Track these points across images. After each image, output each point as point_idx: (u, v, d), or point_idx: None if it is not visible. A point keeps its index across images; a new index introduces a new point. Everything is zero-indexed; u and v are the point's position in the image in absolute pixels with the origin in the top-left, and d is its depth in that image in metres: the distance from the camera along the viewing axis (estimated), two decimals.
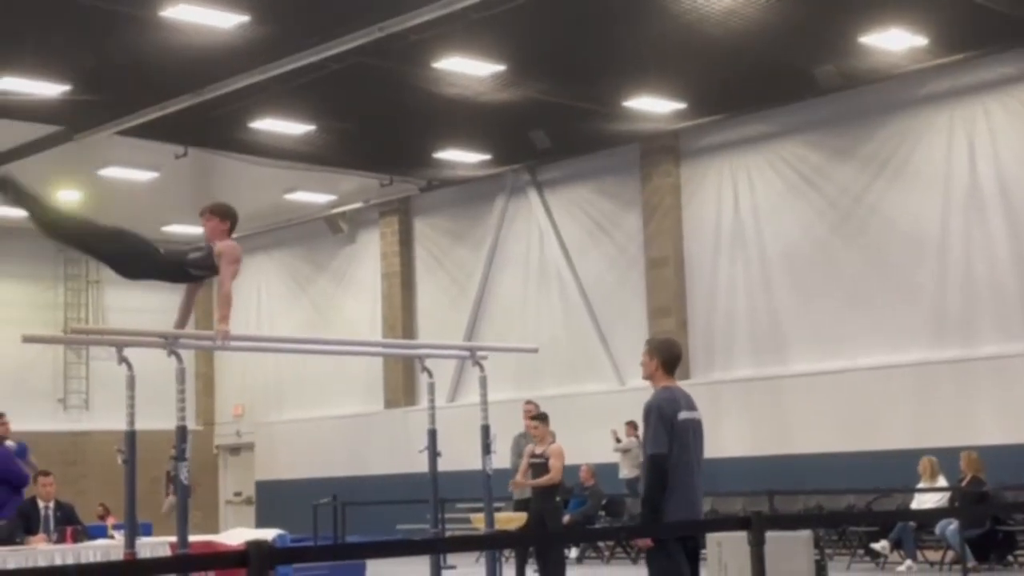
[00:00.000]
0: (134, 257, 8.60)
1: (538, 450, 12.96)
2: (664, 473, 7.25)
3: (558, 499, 13.25)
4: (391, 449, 22.62)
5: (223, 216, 8.70)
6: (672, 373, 7.69)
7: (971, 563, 14.09)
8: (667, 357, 7.69)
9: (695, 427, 7.52)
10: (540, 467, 12.93)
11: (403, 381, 23.94)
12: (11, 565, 10.07)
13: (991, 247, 17.15)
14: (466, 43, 15.23)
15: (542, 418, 13.16)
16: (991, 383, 16.81)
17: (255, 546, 4.42)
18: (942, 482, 15.18)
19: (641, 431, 7.62)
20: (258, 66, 15.74)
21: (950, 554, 14.80)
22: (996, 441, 16.13)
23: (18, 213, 24.65)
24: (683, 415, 7.42)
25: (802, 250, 18.95)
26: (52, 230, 8.87)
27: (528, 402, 14.43)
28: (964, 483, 14.90)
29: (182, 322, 8.90)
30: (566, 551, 18.32)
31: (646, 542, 7.42)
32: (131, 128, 17.97)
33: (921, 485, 15.26)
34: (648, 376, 7.73)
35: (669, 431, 7.32)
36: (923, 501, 15.31)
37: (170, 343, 8.35)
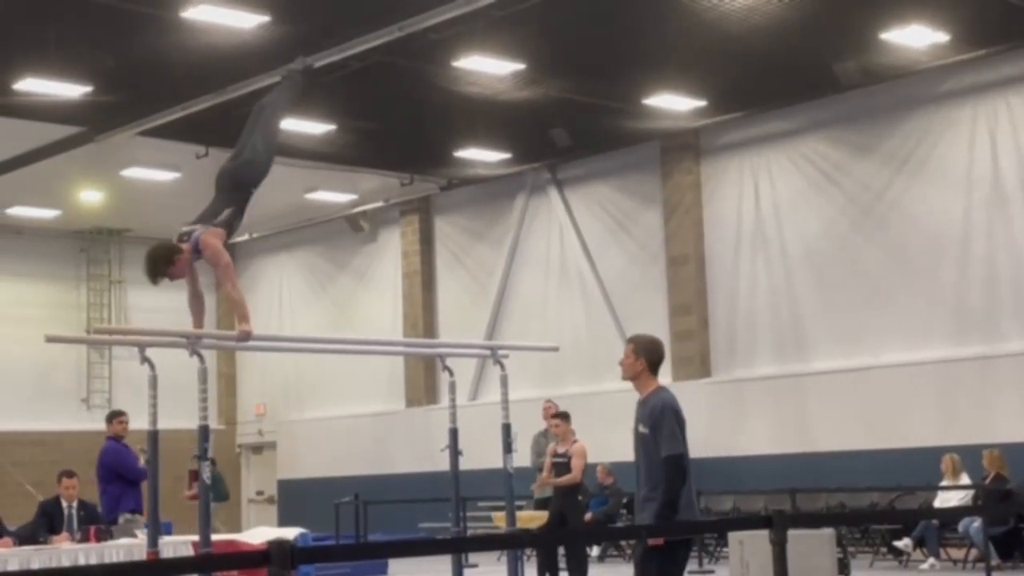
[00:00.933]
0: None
1: (560, 449, 12.96)
2: (686, 473, 7.18)
3: (580, 497, 13.24)
4: (412, 448, 22.64)
5: (167, 261, 8.42)
6: (656, 374, 7.49)
7: (995, 561, 14.02)
8: (654, 358, 7.46)
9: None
10: (563, 466, 12.93)
11: (424, 380, 23.96)
12: (35, 565, 10.14)
13: (1014, 243, 17.06)
14: (486, 41, 15.23)
15: (564, 416, 13.16)
16: (1014, 380, 16.72)
17: (277, 545, 4.43)
18: (965, 480, 15.11)
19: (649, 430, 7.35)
20: (278, 66, 15.64)
21: (973, 552, 14.74)
22: (1020, 438, 16.03)
23: (42, 215, 24.76)
24: (682, 415, 7.40)
25: (823, 247, 18.89)
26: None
27: (548, 401, 14.42)
28: (987, 481, 14.83)
29: (198, 314, 8.72)
30: (588, 549, 18.37)
31: (657, 541, 7.24)
32: (152, 128, 18.03)
33: (944, 483, 15.20)
34: (632, 376, 7.44)
35: (683, 430, 7.28)
36: (946, 499, 15.25)
37: (192, 343, 8.36)
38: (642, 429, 7.32)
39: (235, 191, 8.74)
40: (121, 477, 11.96)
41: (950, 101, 17.67)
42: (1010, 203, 17.11)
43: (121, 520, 11.73)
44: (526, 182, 22.50)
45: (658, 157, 20.65)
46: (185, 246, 8.40)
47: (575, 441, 13.04)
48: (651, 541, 7.09)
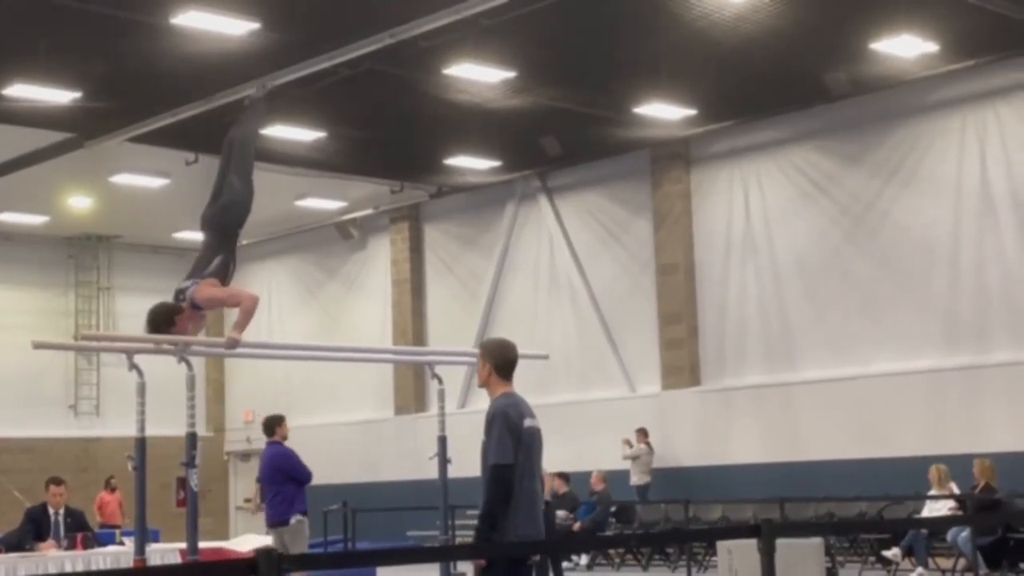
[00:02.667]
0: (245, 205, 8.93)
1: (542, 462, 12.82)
2: (509, 486, 6.72)
3: (547, 503, 13.13)
4: (401, 455, 22.60)
5: (167, 323, 8.44)
6: (509, 378, 7.06)
7: (983, 571, 14.02)
8: (500, 361, 7.02)
9: (538, 436, 7.03)
10: None
11: (413, 387, 23.93)
12: (21, 572, 10.09)
13: (1003, 253, 17.10)
14: (477, 50, 15.23)
15: None
16: (1003, 390, 16.75)
17: (264, 553, 4.41)
18: (953, 489, 15.12)
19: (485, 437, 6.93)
20: (268, 73, 15.74)
21: (962, 562, 14.74)
22: (1008, 448, 16.06)
23: (30, 221, 24.69)
24: (527, 423, 6.91)
25: (813, 256, 18.91)
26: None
27: None
28: (977, 490, 14.84)
29: None
30: (576, 558, 18.35)
31: (479, 562, 6.75)
32: (142, 135, 18.01)
33: (933, 493, 15.20)
34: (483, 383, 7.05)
35: (515, 440, 6.78)
36: (935, 509, 15.24)
37: (180, 350, 8.34)
38: (484, 436, 6.92)
39: (221, 235, 8.87)
40: (292, 479, 12.05)
41: (939, 111, 17.71)
42: (999, 213, 17.15)
43: (293, 521, 11.81)
44: (516, 190, 22.50)
45: (648, 166, 20.67)
46: (184, 305, 8.47)
47: None
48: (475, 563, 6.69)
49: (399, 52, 15.18)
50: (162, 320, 8.42)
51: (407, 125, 18.78)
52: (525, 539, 6.81)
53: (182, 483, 8.73)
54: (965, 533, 14.22)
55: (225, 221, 8.90)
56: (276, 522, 11.89)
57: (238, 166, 9.02)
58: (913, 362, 17.56)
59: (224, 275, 8.69)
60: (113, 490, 21.89)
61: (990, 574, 14.32)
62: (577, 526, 18.26)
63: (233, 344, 8.43)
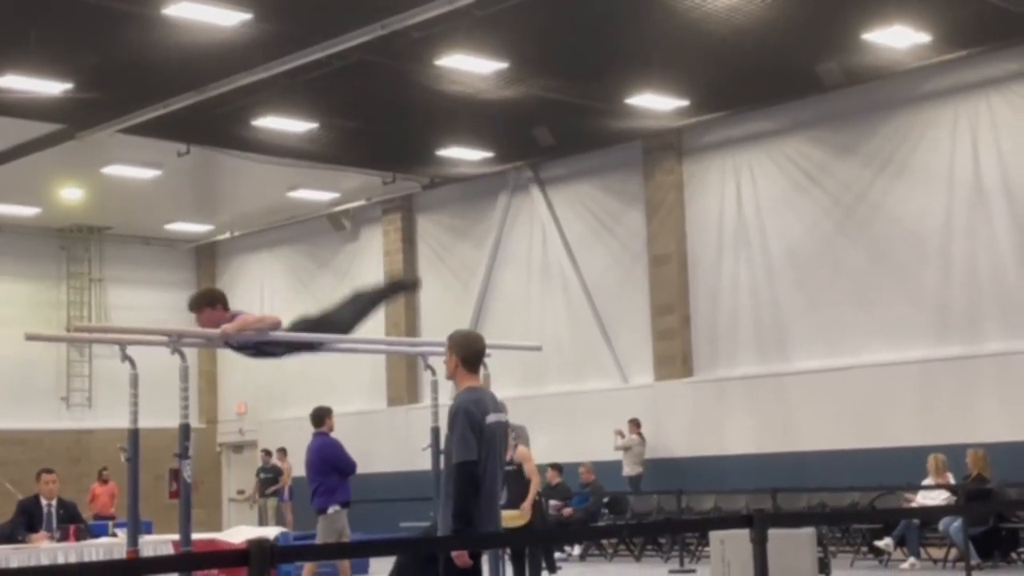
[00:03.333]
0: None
1: (505, 458, 12.72)
2: (475, 482, 6.70)
3: (539, 497, 13.13)
4: (394, 447, 22.60)
5: (210, 303, 8.64)
6: (476, 370, 7.09)
7: (974, 560, 14.06)
8: (467, 353, 7.04)
9: (502, 431, 7.03)
10: (512, 474, 12.75)
11: (406, 379, 23.93)
12: (13, 564, 10.08)
13: (995, 243, 17.12)
14: (469, 40, 15.21)
15: None
16: (995, 380, 16.79)
17: (256, 545, 4.41)
18: (950, 479, 15.15)
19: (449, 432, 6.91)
20: (260, 64, 15.73)
21: (953, 551, 14.78)
22: (1000, 438, 16.10)
23: (22, 212, 24.71)
24: (491, 418, 6.89)
25: (805, 247, 18.93)
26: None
27: None
28: (969, 480, 14.87)
29: None
30: (569, 548, 18.37)
31: (463, 558, 6.64)
32: (133, 126, 17.96)
33: (928, 482, 15.24)
34: (450, 375, 7.07)
35: (478, 436, 6.76)
36: (929, 498, 15.27)
37: (173, 341, 8.32)
38: (448, 431, 6.94)
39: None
40: (337, 470, 12.24)
41: (931, 102, 17.73)
42: (991, 203, 17.17)
43: (331, 511, 11.96)
44: (508, 181, 22.49)
45: (640, 157, 20.67)
46: (227, 313, 8.58)
47: (515, 446, 12.91)
48: (456, 558, 6.61)
49: (391, 43, 15.15)
50: (206, 300, 8.64)
51: (399, 116, 18.76)
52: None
53: (175, 475, 8.76)
54: (957, 523, 14.25)
55: (311, 327, 9.20)
56: (318, 510, 12.07)
57: (354, 309, 9.49)
58: (905, 352, 17.60)
59: (267, 350, 8.82)
60: (105, 482, 21.90)
61: (982, 564, 14.35)
62: (568, 511, 18.28)
63: (225, 336, 8.41)
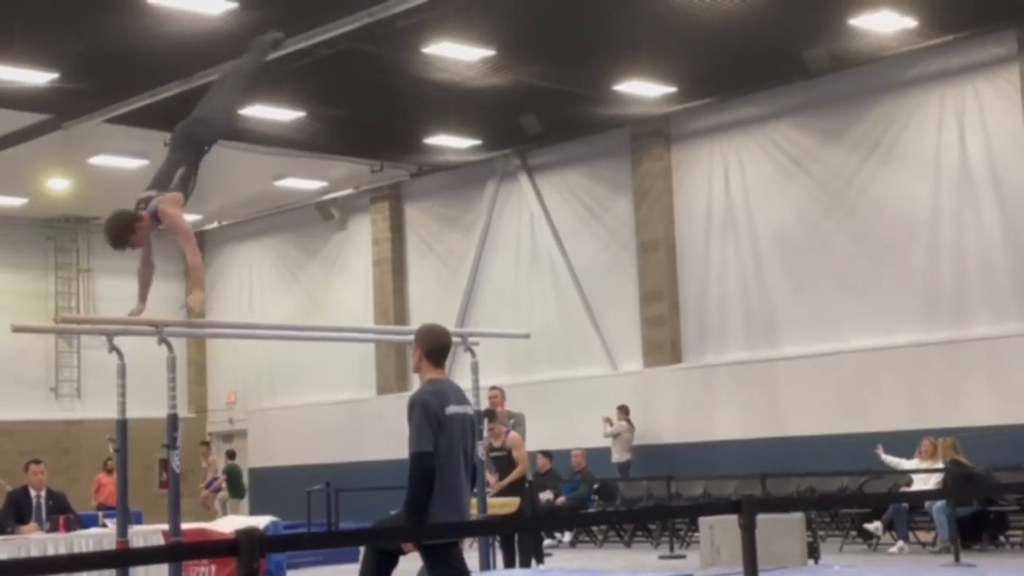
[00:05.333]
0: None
1: (496, 443, 12.72)
2: (430, 473, 6.75)
3: (527, 484, 13.14)
4: (384, 435, 22.60)
5: (127, 230, 8.28)
6: (440, 364, 7.10)
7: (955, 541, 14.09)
8: (431, 347, 7.05)
9: (465, 422, 7.01)
10: (503, 460, 12.78)
11: (396, 367, 23.93)
12: (3, 555, 10.07)
13: (982, 228, 17.17)
14: (456, 28, 15.19)
15: (491, 415, 12.82)
16: (983, 364, 16.84)
17: (246, 535, 4.40)
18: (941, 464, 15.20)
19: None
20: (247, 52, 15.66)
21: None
22: (988, 422, 16.16)
23: (8, 203, 24.52)
24: (452, 409, 6.90)
25: (793, 233, 18.96)
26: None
27: (494, 389, 14.11)
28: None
29: (146, 284, 8.60)
30: (559, 535, 18.40)
31: (410, 546, 6.81)
32: (120, 116, 17.93)
33: (914, 464, 15.29)
34: (415, 368, 7.14)
35: (435, 428, 6.79)
36: (922, 481, 15.31)
37: (160, 331, 8.30)
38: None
39: (188, 148, 8.55)
40: None
41: (918, 87, 17.75)
42: (978, 188, 17.21)
43: None
44: (496, 169, 22.48)
45: (628, 143, 20.67)
46: (144, 213, 8.27)
47: (507, 432, 12.92)
48: (404, 546, 6.80)
49: (378, 31, 15.13)
50: (123, 227, 8.21)
51: (386, 104, 18.74)
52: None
53: (164, 465, 8.75)
54: (939, 504, 14.34)
55: (197, 131, 8.63)
56: None
57: (225, 90, 8.90)
58: (893, 337, 17.64)
59: (186, 190, 8.42)
60: (111, 472, 21.86)
61: (970, 546, 14.40)
62: (560, 500, 18.31)
63: (200, 302, 8.29)
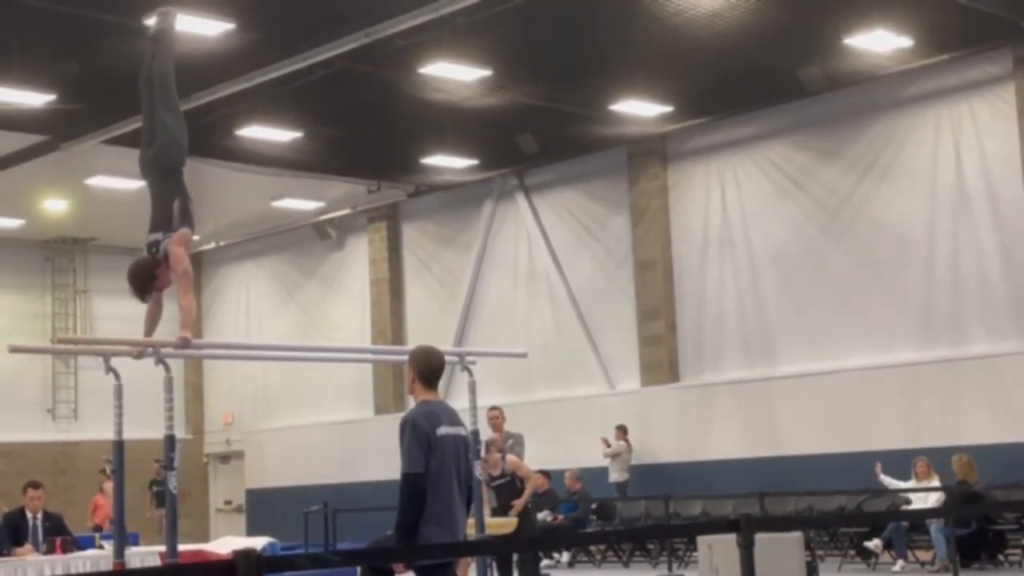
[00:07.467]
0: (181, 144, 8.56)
1: (495, 472, 12.58)
2: (420, 494, 6.76)
3: (529, 505, 13.07)
4: (382, 455, 22.48)
5: (149, 279, 8.23)
6: (433, 385, 7.12)
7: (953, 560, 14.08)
8: (423, 369, 7.08)
9: (458, 443, 7.01)
10: (506, 487, 12.65)
11: (393, 387, 23.90)
12: None
13: (978, 246, 17.18)
14: (452, 48, 15.22)
15: (487, 448, 12.58)
16: (980, 383, 16.83)
17: (243, 555, 4.40)
18: (936, 483, 15.19)
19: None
20: (244, 73, 15.71)
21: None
22: (985, 441, 16.14)
23: (6, 224, 24.50)
24: (443, 430, 6.91)
25: (790, 251, 18.97)
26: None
27: (493, 408, 14.03)
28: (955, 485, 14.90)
29: (153, 322, 8.54)
30: (557, 555, 18.37)
31: (400, 567, 6.87)
32: (117, 137, 17.91)
33: (912, 484, 15.28)
34: (409, 390, 7.20)
35: (425, 448, 6.80)
36: (921, 500, 15.30)
37: (157, 351, 8.29)
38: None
39: (170, 176, 8.49)
40: None
41: (914, 106, 17.79)
42: (974, 206, 17.24)
43: None
44: (493, 188, 22.51)
45: (625, 163, 20.70)
46: (160, 258, 8.27)
47: (503, 457, 12.82)
48: (396, 567, 6.86)
49: (374, 51, 15.16)
50: (147, 277, 8.22)
51: (383, 124, 18.76)
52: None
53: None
54: (936, 524, 14.33)
55: (169, 162, 8.55)
56: None
57: (164, 102, 8.68)
58: (890, 355, 17.64)
59: (191, 222, 8.38)
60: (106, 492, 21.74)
61: (969, 565, 14.38)
62: (558, 520, 18.28)
63: (185, 343, 8.29)
